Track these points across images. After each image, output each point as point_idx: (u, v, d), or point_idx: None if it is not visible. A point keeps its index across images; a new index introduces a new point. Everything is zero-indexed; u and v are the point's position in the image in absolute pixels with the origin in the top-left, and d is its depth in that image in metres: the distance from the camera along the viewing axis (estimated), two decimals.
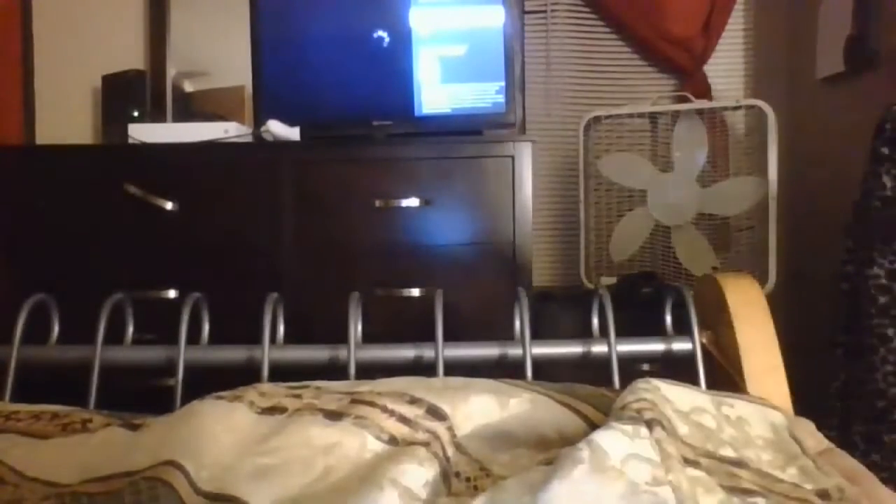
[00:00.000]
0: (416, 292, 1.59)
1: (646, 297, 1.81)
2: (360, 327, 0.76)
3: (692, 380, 0.72)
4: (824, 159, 2.06)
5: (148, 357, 0.79)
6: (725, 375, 0.75)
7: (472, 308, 1.54)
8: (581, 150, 2.00)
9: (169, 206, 1.64)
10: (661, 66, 2.26)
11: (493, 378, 0.66)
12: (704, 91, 2.17)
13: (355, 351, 0.75)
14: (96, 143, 2.15)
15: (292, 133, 1.77)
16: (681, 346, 0.77)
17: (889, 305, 1.47)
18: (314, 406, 0.60)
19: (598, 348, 0.77)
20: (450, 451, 0.55)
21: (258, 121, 1.89)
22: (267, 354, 0.74)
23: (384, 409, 0.58)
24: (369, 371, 0.73)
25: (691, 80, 2.19)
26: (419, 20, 1.90)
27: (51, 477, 0.57)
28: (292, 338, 0.78)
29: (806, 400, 0.88)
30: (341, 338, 0.75)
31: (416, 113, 1.87)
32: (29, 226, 1.69)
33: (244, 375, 0.71)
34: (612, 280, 1.93)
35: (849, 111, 1.92)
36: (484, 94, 1.86)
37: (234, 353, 0.78)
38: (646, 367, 1.54)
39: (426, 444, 0.54)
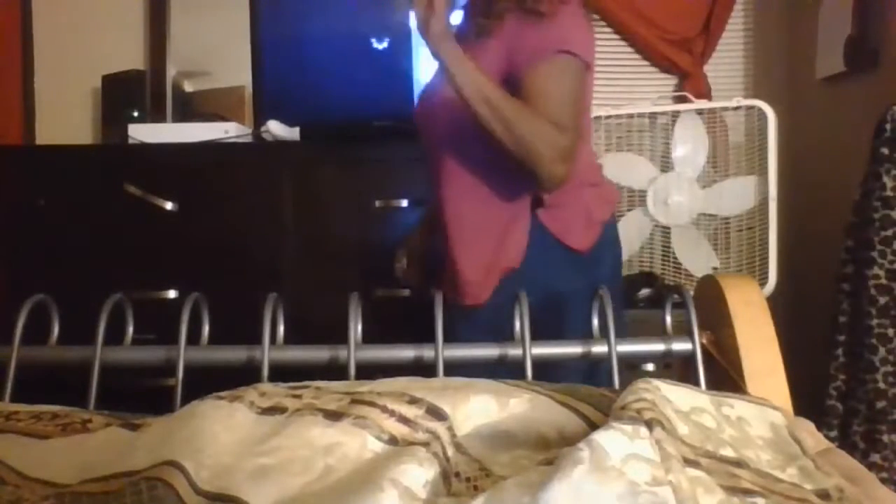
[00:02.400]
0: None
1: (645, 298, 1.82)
2: (360, 327, 0.76)
3: (692, 380, 0.72)
4: (824, 159, 2.06)
5: (148, 357, 0.79)
6: (725, 375, 0.75)
7: None
8: None
9: (169, 206, 1.65)
10: (661, 66, 2.26)
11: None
12: (704, 91, 2.16)
13: (355, 351, 0.75)
14: (96, 143, 2.15)
15: (292, 133, 1.77)
16: (681, 346, 0.77)
17: (889, 305, 1.47)
18: (314, 406, 0.60)
19: (598, 348, 0.77)
20: (450, 451, 0.55)
21: (258, 121, 1.89)
22: (267, 354, 0.74)
23: (384, 409, 0.58)
24: (369, 371, 0.73)
25: (691, 80, 2.19)
26: None
27: (51, 477, 0.57)
28: (292, 338, 0.78)
29: (806, 400, 0.88)
30: (341, 338, 0.75)
31: None
32: (29, 226, 1.69)
33: (244, 375, 0.71)
34: None
35: (849, 111, 1.92)
36: None
37: (234, 353, 0.78)
38: (650, 367, 1.54)
39: (426, 444, 0.54)
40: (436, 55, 1.07)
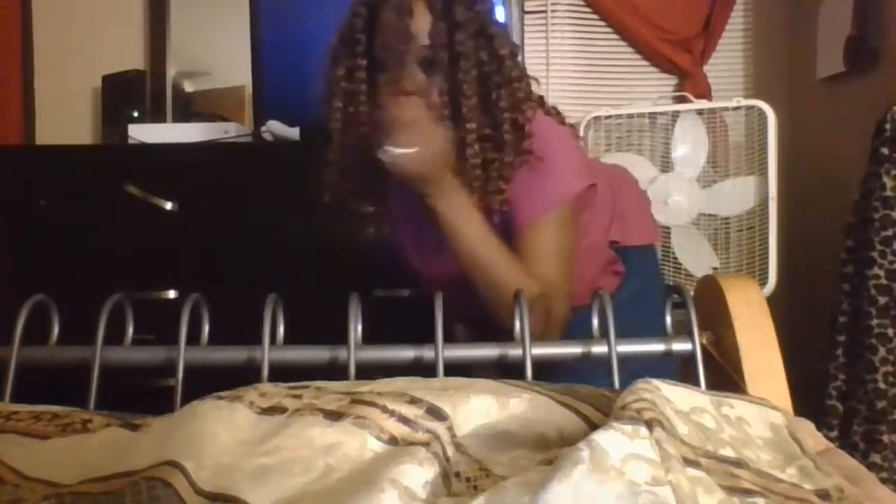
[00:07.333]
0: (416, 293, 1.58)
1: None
2: (359, 328, 0.76)
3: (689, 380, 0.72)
4: (824, 159, 2.06)
5: (148, 357, 0.79)
6: (725, 375, 0.75)
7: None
8: None
9: (169, 206, 1.64)
10: (661, 66, 2.26)
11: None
12: (704, 91, 2.17)
13: (355, 351, 0.75)
14: (96, 143, 2.15)
15: (292, 133, 1.77)
16: (681, 346, 0.77)
17: (889, 305, 1.47)
18: (314, 406, 0.60)
19: (598, 349, 0.77)
20: (450, 451, 0.55)
21: (258, 121, 1.89)
22: (267, 355, 0.74)
23: (384, 409, 0.58)
24: (369, 371, 0.73)
25: (691, 80, 2.19)
26: None
27: (51, 477, 0.57)
28: (292, 338, 0.78)
29: (806, 400, 0.88)
30: (341, 338, 0.75)
31: None
32: (29, 226, 1.69)
33: (244, 375, 0.71)
34: None
35: (849, 111, 1.92)
36: None
37: (234, 354, 0.78)
38: None
39: (426, 444, 0.54)
40: (431, 200, 0.93)
